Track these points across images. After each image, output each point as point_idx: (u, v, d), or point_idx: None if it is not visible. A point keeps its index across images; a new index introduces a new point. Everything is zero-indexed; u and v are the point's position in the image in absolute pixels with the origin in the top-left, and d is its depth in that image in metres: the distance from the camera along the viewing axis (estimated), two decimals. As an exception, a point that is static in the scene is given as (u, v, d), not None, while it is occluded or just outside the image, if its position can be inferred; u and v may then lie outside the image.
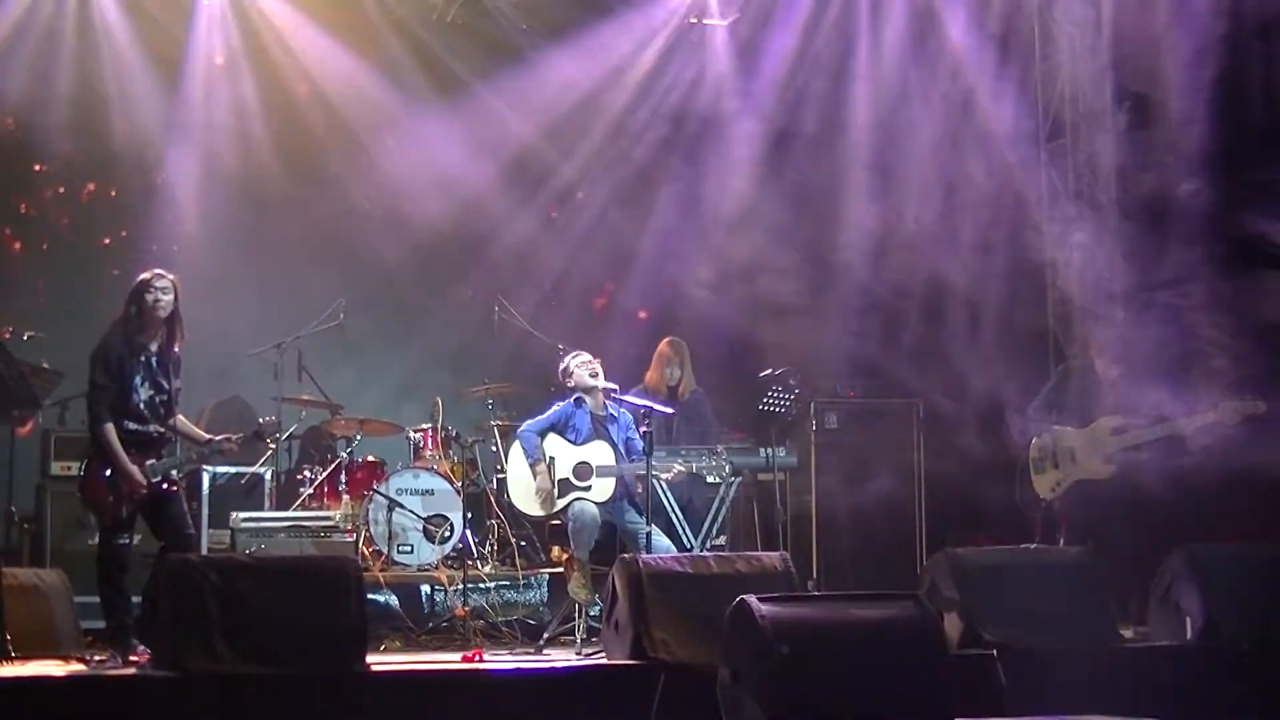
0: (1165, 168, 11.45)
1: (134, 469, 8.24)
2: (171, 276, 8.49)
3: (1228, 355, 9.98)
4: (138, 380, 8.35)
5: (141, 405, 8.38)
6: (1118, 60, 12.16)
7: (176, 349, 8.55)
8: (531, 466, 9.59)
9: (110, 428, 8.26)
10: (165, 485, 8.38)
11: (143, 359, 8.40)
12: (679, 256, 13.13)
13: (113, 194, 12.93)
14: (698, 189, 13.37)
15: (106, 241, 12.86)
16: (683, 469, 9.50)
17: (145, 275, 8.49)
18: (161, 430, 8.46)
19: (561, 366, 9.96)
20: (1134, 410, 9.63)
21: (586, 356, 9.79)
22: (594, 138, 13.62)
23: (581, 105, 13.44)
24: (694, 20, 13.29)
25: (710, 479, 9.89)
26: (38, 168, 12.69)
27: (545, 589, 10.66)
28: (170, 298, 8.40)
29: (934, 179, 12.58)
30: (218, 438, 8.71)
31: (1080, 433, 9.66)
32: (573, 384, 9.75)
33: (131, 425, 8.35)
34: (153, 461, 8.35)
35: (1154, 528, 9.74)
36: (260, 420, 9.79)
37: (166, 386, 8.46)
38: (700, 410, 10.63)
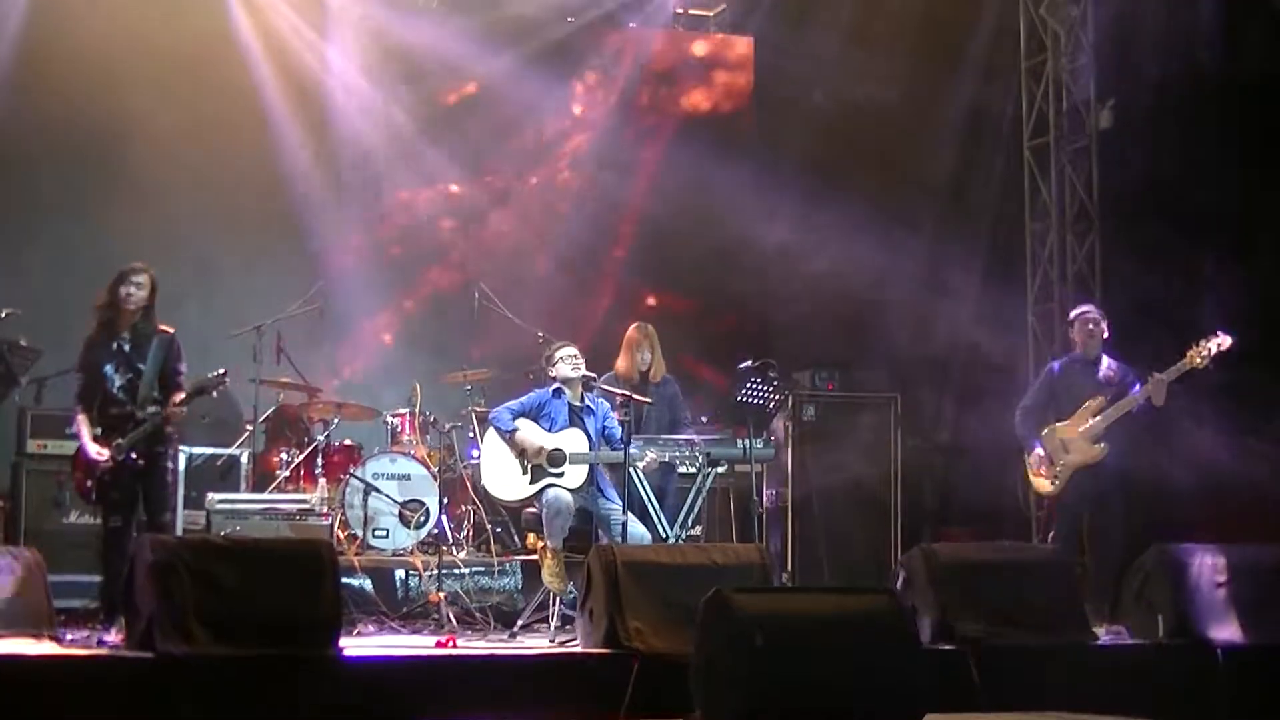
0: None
1: (93, 448, 8.47)
2: (148, 270, 8.68)
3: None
4: (109, 368, 8.57)
5: (116, 390, 8.58)
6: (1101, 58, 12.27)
7: (169, 330, 8.75)
8: (510, 436, 9.40)
9: (82, 415, 8.57)
10: (134, 459, 8.51)
11: (114, 346, 8.60)
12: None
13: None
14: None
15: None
16: (657, 457, 9.41)
17: (124, 267, 8.66)
18: (151, 411, 8.58)
19: (546, 354, 9.86)
20: (1114, 386, 9.67)
21: (573, 350, 9.61)
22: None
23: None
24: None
25: (685, 469, 9.82)
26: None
27: (519, 576, 10.63)
28: (144, 293, 8.63)
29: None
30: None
31: (1067, 424, 9.67)
32: (554, 374, 9.66)
33: (112, 410, 8.57)
34: (119, 440, 8.51)
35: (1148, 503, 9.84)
36: (207, 375, 9.76)
37: (143, 370, 8.60)
38: (671, 398, 10.50)
